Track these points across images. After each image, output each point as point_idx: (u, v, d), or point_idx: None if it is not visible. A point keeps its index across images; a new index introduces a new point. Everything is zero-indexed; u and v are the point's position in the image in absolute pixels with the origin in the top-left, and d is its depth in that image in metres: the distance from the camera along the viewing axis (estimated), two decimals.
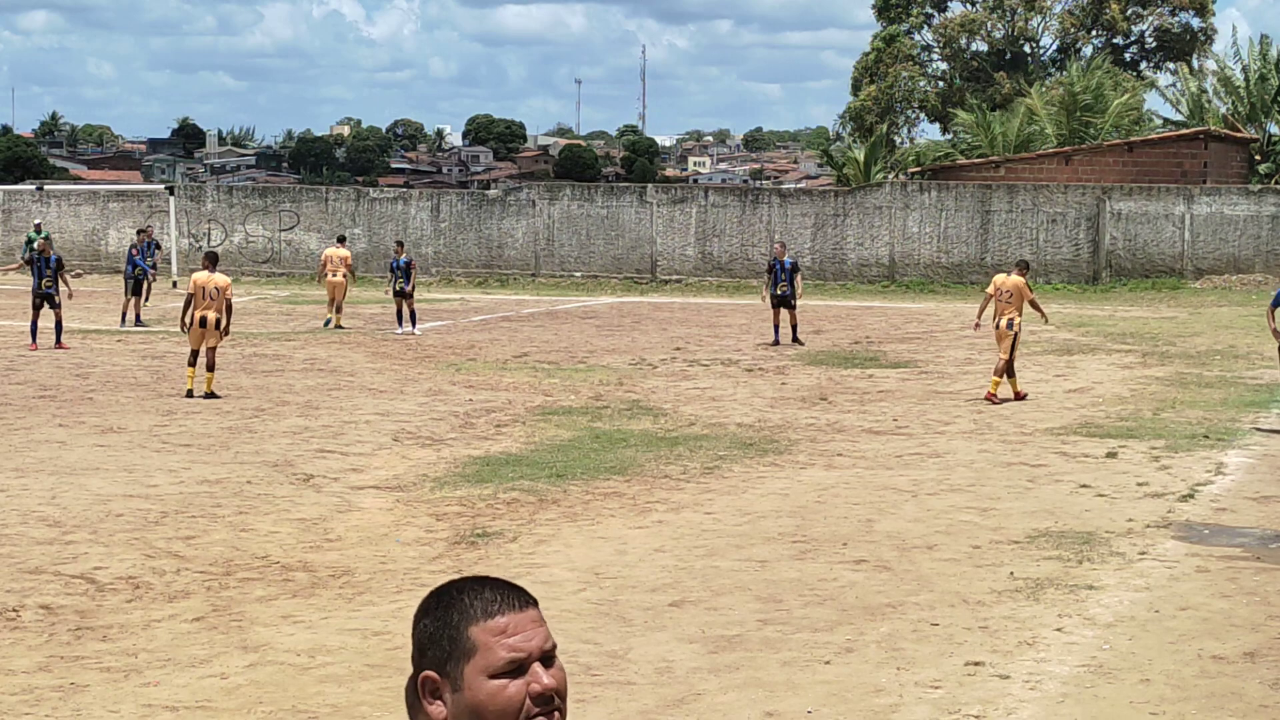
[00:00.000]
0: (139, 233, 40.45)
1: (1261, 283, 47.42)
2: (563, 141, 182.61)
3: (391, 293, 35.58)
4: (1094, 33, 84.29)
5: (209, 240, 53.09)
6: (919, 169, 58.07)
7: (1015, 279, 25.09)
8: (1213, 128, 56.20)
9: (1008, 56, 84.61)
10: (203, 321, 24.36)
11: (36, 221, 50.00)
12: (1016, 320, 24.75)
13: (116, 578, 13.36)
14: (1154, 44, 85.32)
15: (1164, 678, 10.85)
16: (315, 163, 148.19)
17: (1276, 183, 55.06)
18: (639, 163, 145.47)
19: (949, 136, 73.21)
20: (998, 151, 57.92)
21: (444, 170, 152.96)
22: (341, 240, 40.55)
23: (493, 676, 3.02)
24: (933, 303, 44.59)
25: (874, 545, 14.79)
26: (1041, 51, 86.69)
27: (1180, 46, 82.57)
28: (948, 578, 13.55)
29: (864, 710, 10.16)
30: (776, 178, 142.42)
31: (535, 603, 3.11)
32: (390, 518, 15.96)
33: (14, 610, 12.33)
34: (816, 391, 25.74)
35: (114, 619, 12.15)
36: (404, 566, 13.89)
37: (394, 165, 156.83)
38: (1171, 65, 79.49)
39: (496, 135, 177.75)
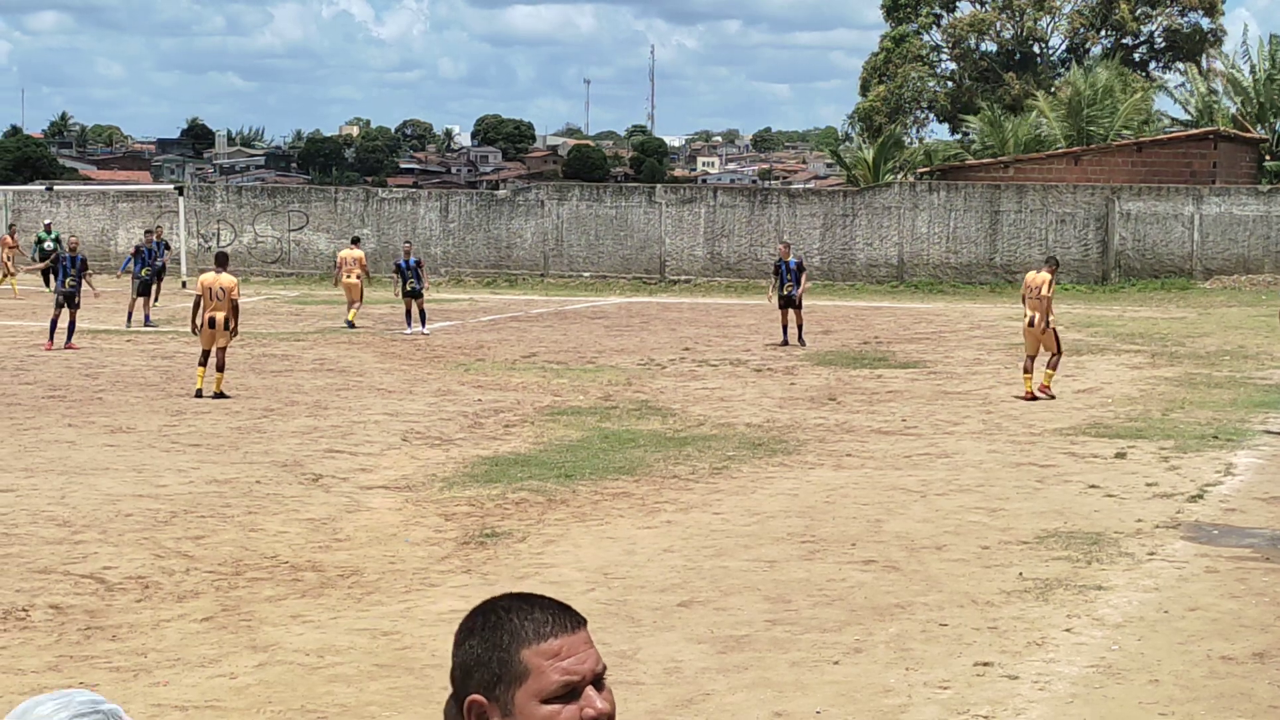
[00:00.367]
0: (146, 233, 40.50)
1: (1271, 283, 47.39)
2: (571, 142, 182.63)
3: (400, 293, 35.58)
4: (1103, 33, 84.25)
5: (218, 240, 53.15)
6: (928, 169, 58.03)
7: (1043, 275, 25.18)
8: (1222, 128, 56.14)
9: (1017, 57, 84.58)
10: (211, 322, 24.44)
11: (46, 221, 50.11)
12: (1049, 319, 24.83)
13: (126, 577, 13.37)
14: (1163, 44, 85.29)
15: (1173, 678, 10.84)
16: (324, 163, 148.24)
17: None
18: (648, 163, 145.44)
19: (958, 137, 73.18)
20: (1007, 152, 57.90)
21: (453, 170, 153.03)
22: (356, 241, 40.61)
23: (545, 701, 2.91)
24: (941, 303, 44.57)
25: (883, 545, 14.78)
26: (1051, 52, 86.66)
27: (1189, 47, 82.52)
28: (956, 578, 13.54)
29: (873, 710, 10.16)
30: (785, 178, 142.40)
31: (585, 623, 3.01)
32: (399, 518, 15.97)
33: (23, 610, 12.34)
34: (825, 392, 25.74)
35: (123, 619, 12.16)
36: (413, 566, 13.90)
37: (403, 165, 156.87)
38: (1181, 65, 79.41)
39: (505, 135, 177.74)
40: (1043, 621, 12.17)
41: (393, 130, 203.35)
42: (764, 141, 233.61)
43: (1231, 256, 48.46)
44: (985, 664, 11.07)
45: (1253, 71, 63.41)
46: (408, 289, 35.18)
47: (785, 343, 32.76)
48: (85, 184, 76.31)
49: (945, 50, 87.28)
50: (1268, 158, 58.40)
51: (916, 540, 14.98)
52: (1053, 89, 68.57)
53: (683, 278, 51.08)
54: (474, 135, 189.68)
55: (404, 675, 10.80)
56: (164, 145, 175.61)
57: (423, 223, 52.77)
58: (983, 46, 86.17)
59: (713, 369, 28.75)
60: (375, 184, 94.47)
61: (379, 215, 53.27)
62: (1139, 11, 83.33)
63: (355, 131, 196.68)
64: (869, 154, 65.92)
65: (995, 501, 16.86)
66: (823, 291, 47.18)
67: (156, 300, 41.82)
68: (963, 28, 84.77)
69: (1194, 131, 56.16)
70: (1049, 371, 25.03)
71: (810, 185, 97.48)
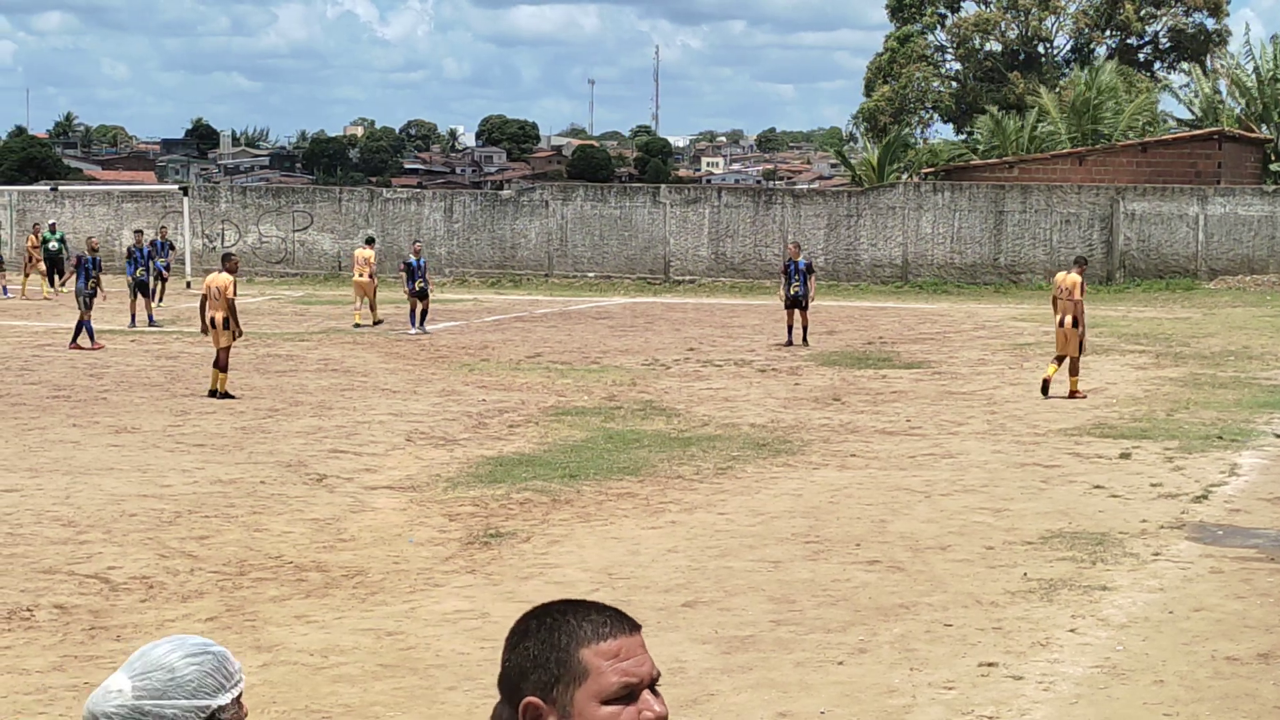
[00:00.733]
0: (137, 233, 40.53)
1: (1276, 283, 47.37)
2: (576, 142, 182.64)
3: (409, 293, 35.52)
4: (1108, 33, 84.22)
5: (223, 240, 53.18)
6: (932, 169, 58.03)
7: (1073, 277, 25.28)
8: (1227, 128, 56.11)
9: (1022, 57, 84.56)
10: (213, 322, 24.62)
11: (51, 221, 50.08)
12: (1080, 319, 24.92)
13: (130, 577, 13.38)
14: (1168, 44, 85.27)
15: (1178, 679, 10.84)
16: (329, 163, 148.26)
17: None
18: (652, 163, 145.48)
19: (963, 137, 73.18)
20: (1011, 152, 57.88)
21: (457, 171, 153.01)
22: (370, 242, 40.65)
23: (605, 703, 2.87)
24: (946, 303, 44.55)
25: (887, 546, 14.78)
26: (1055, 52, 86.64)
27: (1194, 47, 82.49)
28: (961, 578, 13.54)
29: (877, 711, 10.16)
30: (790, 178, 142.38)
31: (640, 628, 2.97)
32: (403, 518, 15.98)
33: (28, 610, 12.35)
34: (830, 392, 25.73)
35: (128, 618, 12.17)
36: (417, 567, 13.90)
37: (407, 166, 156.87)
38: (1185, 66, 79.35)
39: (510, 136, 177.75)
40: (1047, 622, 12.17)
41: (397, 130, 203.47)
42: (768, 142, 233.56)
43: (1236, 257, 48.43)
44: (990, 664, 11.07)
45: (1257, 72, 63.37)
46: (418, 289, 35.19)
47: (790, 343, 32.76)
48: (90, 184, 76.35)
49: (950, 50, 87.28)
50: (1273, 158, 58.37)
51: (921, 540, 14.98)
52: (1057, 89, 68.52)
53: (687, 278, 51.07)
54: (478, 135, 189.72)
55: (408, 675, 10.81)
56: (169, 145, 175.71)
57: (427, 223, 52.77)
58: (987, 46, 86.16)
59: (717, 369, 28.75)
60: (380, 184, 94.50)
61: (383, 216, 53.28)
62: (1144, 12, 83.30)
63: (360, 132, 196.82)
64: (874, 155, 65.92)
65: (1000, 502, 16.86)
66: (827, 292, 47.17)
67: (160, 300, 41.86)
68: (967, 28, 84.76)
69: (1199, 132, 56.12)
70: (1073, 376, 25.13)
71: (814, 185, 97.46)
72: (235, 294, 24.82)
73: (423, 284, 35.19)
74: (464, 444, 20.42)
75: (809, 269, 33.15)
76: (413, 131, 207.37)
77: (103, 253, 52.50)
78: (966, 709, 10.15)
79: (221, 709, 3.39)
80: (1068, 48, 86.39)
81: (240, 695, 3.48)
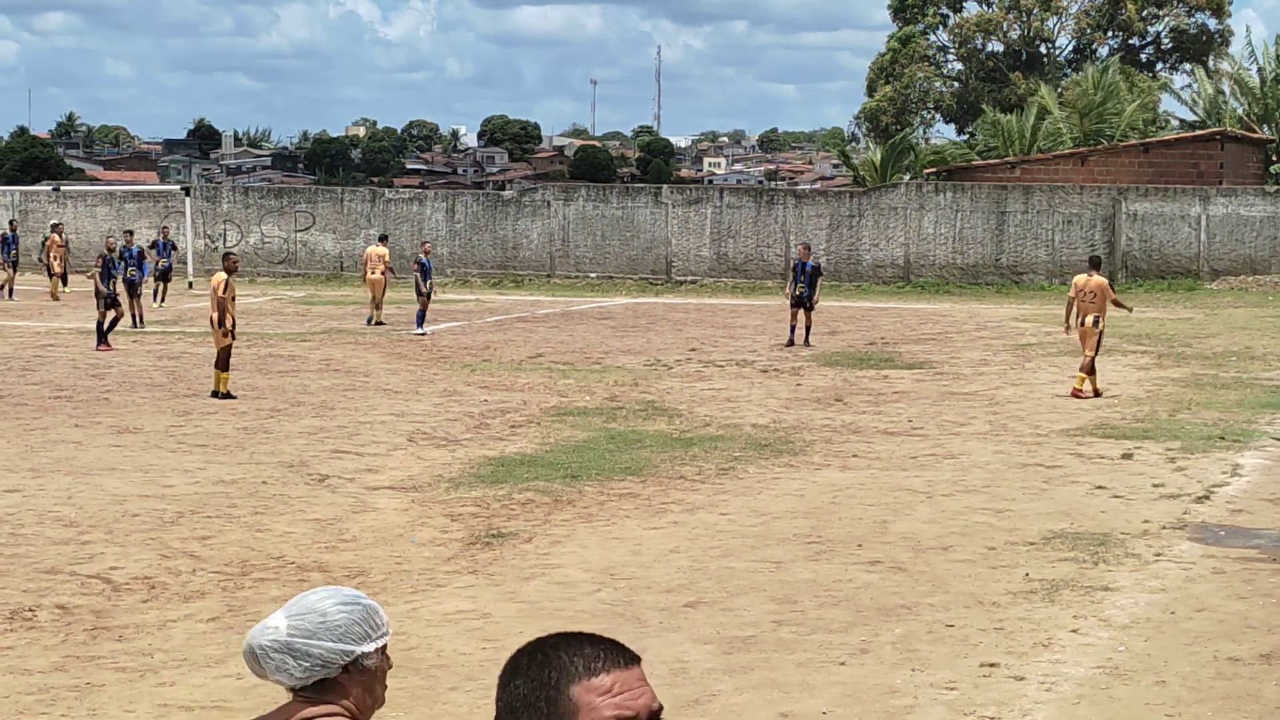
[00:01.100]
0: (127, 234, 40.52)
1: (1278, 283, 47.36)
2: (578, 142, 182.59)
3: (422, 292, 35.52)
4: (1110, 33, 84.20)
5: (224, 241, 53.20)
6: (934, 170, 58.03)
7: (1099, 279, 25.52)
8: (1229, 129, 56.12)
9: (1024, 57, 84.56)
10: (212, 322, 24.68)
11: (53, 222, 50.10)
12: (1101, 319, 24.97)
13: (132, 578, 13.38)
14: (1170, 45, 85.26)
15: (1180, 679, 10.83)
16: (331, 163, 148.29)
17: None
18: (654, 163, 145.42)
19: (965, 137, 73.19)
20: (1013, 153, 57.88)
21: (459, 171, 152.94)
22: (383, 239, 40.72)
23: None
24: (948, 304, 44.56)
25: (889, 546, 14.78)
26: (1058, 52, 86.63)
27: (1196, 47, 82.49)
28: (963, 579, 13.54)
29: (879, 711, 10.16)
30: (792, 178, 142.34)
31: (639, 660, 2.84)
32: (405, 518, 15.98)
33: (30, 610, 12.36)
34: (831, 392, 25.73)
35: (130, 619, 12.17)
36: (419, 567, 13.90)
37: (409, 166, 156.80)
38: (1187, 66, 79.40)
39: (512, 136, 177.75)
40: (1049, 622, 12.17)
41: (399, 131, 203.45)
42: (770, 142, 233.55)
43: (1238, 257, 48.44)
44: (991, 665, 11.07)
45: (1260, 72, 63.38)
46: (427, 290, 35.28)
47: (791, 343, 32.78)
48: (92, 185, 76.39)
49: (952, 51, 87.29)
50: (1275, 158, 58.38)
51: (923, 541, 14.98)
52: (1059, 89, 68.51)
53: (689, 278, 51.08)
54: (480, 136, 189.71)
55: (410, 676, 10.81)
56: (171, 146, 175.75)
57: (429, 223, 52.79)
58: (989, 47, 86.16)
59: (719, 370, 28.75)
60: (381, 184, 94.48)
61: (385, 216, 53.29)
62: (1146, 12, 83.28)
63: (362, 132, 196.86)
64: (876, 155, 65.92)
65: (1002, 502, 16.86)
66: (829, 292, 47.15)
67: (163, 301, 41.88)
68: (970, 28, 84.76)
69: (1201, 132, 56.15)
70: (1081, 375, 25.26)
71: (817, 186, 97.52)
72: (227, 293, 24.52)
73: (431, 284, 35.39)
74: (466, 444, 20.42)
75: (816, 270, 33.18)
76: (415, 132, 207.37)
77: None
78: (968, 709, 10.15)
79: (365, 655, 3.78)
80: (1070, 48, 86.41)
81: (385, 647, 3.84)
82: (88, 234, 54.23)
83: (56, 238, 46.42)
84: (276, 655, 3.78)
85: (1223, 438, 21.17)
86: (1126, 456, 19.69)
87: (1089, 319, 25.15)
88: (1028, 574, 13.67)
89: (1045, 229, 49.27)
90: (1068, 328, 26.14)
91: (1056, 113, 60.37)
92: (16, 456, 19.14)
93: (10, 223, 48.93)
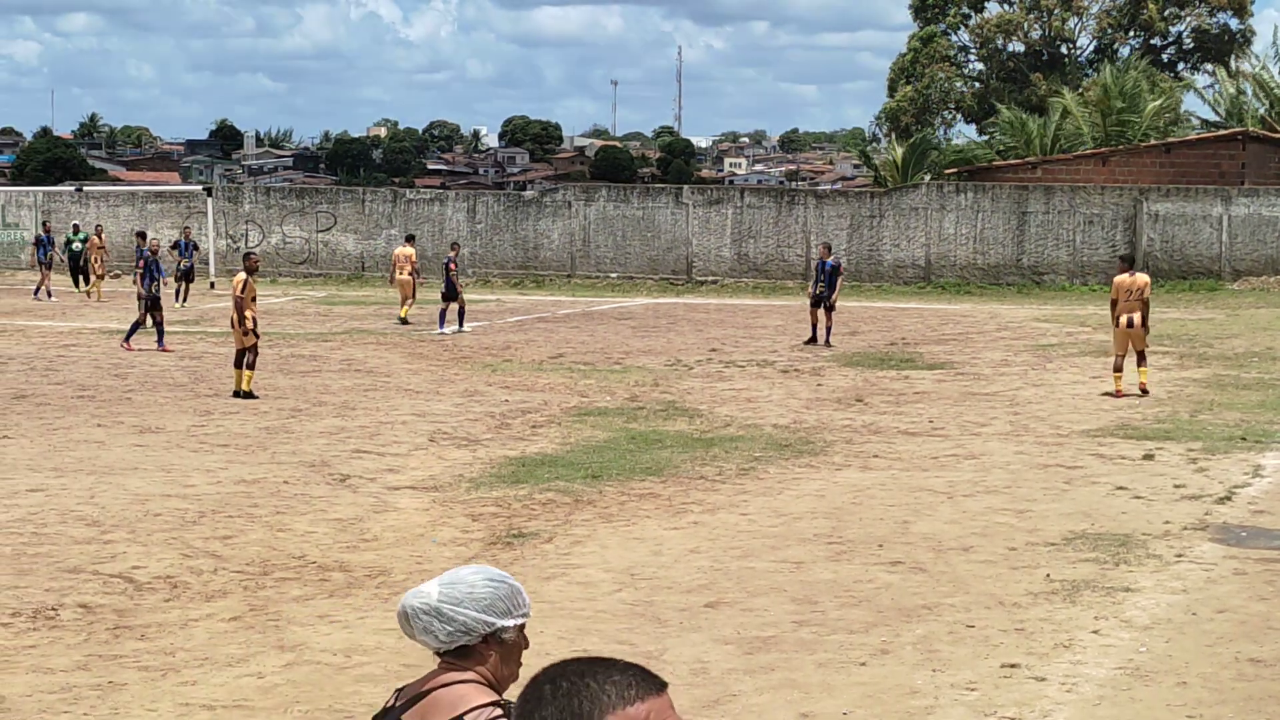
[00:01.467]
0: (139, 235, 40.72)
1: None
2: (599, 143, 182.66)
3: (453, 293, 35.64)
4: (1131, 33, 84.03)
5: (246, 241, 53.31)
6: (955, 170, 57.95)
7: (1144, 277, 25.68)
8: (1251, 129, 55.95)
9: (1045, 57, 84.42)
10: (232, 322, 24.83)
11: (74, 222, 50.25)
12: (1137, 318, 25.00)
13: (154, 577, 13.43)
14: (1192, 45, 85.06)
15: (1201, 680, 10.82)
16: (352, 164, 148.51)
17: None
18: (675, 164, 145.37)
19: (986, 138, 73.08)
20: (1034, 153, 57.78)
21: (480, 171, 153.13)
22: (410, 239, 40.84)
23: None
24: (969, 304, 44.50)
25: (910, 547, 14.77)
26: (1079, 52, 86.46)
27: (1218, 47, 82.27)
28: (983, 579, 13.53)
29: (899, 712, 10.16)
30: (812, 179, 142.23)
31: (666, 685, 2.72)
32: (426, 518, 16.01)
33: (53, 609, 12.40)
34: (852, 393, 25.72)
35: (152, 618, 12.21)
36: (440, 567, 13.92)
37: (430, 166, 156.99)
38: (1209, 66, 79.18)
39: (533, 136, 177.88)
40: (1070, 623, 12.16)
41: (420, 131, 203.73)
42: (791, 142, 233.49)
43: (1260, 258, 48.30)
44: (1012, 665, 11.07)
45: None
46: (451, 290, 35.44)
47: (814, 340, 32.82)
48: (114, 185, 76.59)
49: (973, 51, 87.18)
50: None
51: (943, 541, 14.97)
52: (1080, 89, 68.38)
53: (710, 278, 51.07)
54: (501, 136, 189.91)
55: None
56: (193, 146, 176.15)
57: (450, 224, 52.83)
58: (1010, 47, 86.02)
59: (739, 370, 28.75)
60: (403, 185, 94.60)
61: (406, 216, 53.35)
62: (1167, 12, 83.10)
63: (383, 132, 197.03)
64: (898, 154, 65.83)
65: (1022, 503, 16.84)
66: (850, 292, 47.13)
67: (185, 301, 42.00)
68: (990, 28, 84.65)
69: (1222, 132, 55.97)
70: (1144, 369, 25.32)
71: (837, 186, 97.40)
72: (245, 292, 24.58)
73: (446, 285, 35.48)
74: (487, 444, 20.45)
75: (835, 270, 33.14)
76: (436, 132, 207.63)
77: (126, 253, 52.84)
78: (989, 710, 10.14)
79: (504, 629, 4.15)
80: (1091, 48, 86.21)
81: (524, 626, 4.21)
82: (110, 234, 54.35)
83: (97, 239, 46.54)
84: (425, 617, 4.16)
85: (1244, 438, 21.12)
86: (1148, 457, 19.66)
87: (1135, 317, 25.16)
88: (1049, 575, 13.66)
89: (1066, 229, 49.17)
90: (1117, 327, 25.77)
91: (1077, 113, 60.24)
92: (39, 456, 19.21)
93: (44, 224, 49.11)
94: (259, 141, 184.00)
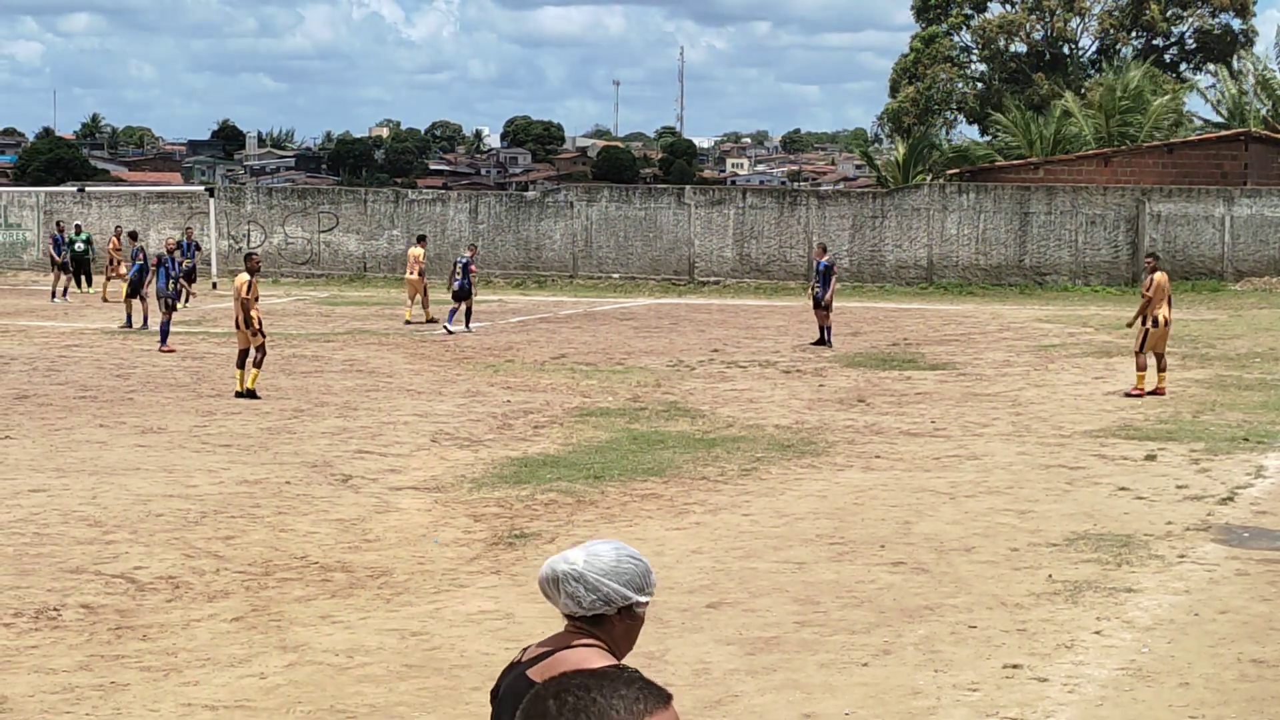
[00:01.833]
0: (130, 234, 40.76)
1: None
2: (601, 143, 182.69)
3: (462, 292, 35.72)
4: (1133, 34, 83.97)
5: (248, 242, 53.31)
6: (957, 171, 57.94)
7: (1165, 275, 25.72)
8: (1253, 129, 55.93)
9: (1047, 58, 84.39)
10: (236, 322, 24.83)
11: (76, 223, 50.22)
12: (1161, 316, 25.19)
13: (156, 577, 13.43)
14: (1194, 45, 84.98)
15: (1203, 681, 10.82)
16: (354, 164, 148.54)
17: None
18: (677, 164, 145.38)
19: (988, 138, 73.09)
20: (1036, 153, 57.77)
21: (482, 172, 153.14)
22: (421, 240, 40.88)
23: None
24: (971, 305, 44.49)
25: (912, 547, 14.77)
26: (1081, 53, 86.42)
27: (1220, 48, 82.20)
28: (986, 580, 13.53)
29: (901, 712, 10.16)
30: (814, 179, 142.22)
31: (671, 697, 2.69)
32: (428, 518, 16.01)
33: (55, 609, 12.41)
34: (854, 393, 25.71)
35: (154, 618, 12.22)
36: (442, 567, 13.93)
37: (432, 167, 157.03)
38: (1211, 66, 79.10)
39: (535, 137, 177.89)
40: (1072, 624, 12.16)
41: (422, 131, 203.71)
42: (793, 143, 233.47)
43: (1263, 258, 48.27)
44: (1014, 666, 11.06)
45: None
46: (461, 288, 35.55)
47: (821, 341, 32.92)
48: (117, 185, 76.61)
49: (975, 51, 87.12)
50: None
51: (945, 542, 14.97)
52: (1083, 90, 68.37)
53: (712, 279, 51.07)
54: (503, 137, 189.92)
55: (433, 676, 10.84)
56: (195, 147, 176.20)
57: (452, 224, 52.84)
58: (1012, 48, 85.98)
59: (741, 370, 28.75)
60: (405, 185, 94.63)
61: (408, 217, 53.35)
62: (1170, 12, 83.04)
63: (385, 133, 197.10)
64: (900, 151, 65.82)
65: (1024, 503, 16.84)
66: (852, 293, 47.14)
67: (187, 301, 41.96)
68: (992, 29, 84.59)
69: (1225, 133, 55.94)
70: (1161, 373, 25.57)
71: (839, 187, 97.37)
72: (250, 294, 24.66)
73: (466, 285, 35.60)
74: (489, 445, 20.45)
75: (828, 270, 33.20)
76: (438, 132, 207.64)
77: (128, 253, 52.83)
78: (991, 711, 10.14)
79: (637, 604, 4.51)
80: (1093, 49, 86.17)
81: (647, 604, 4.57)
82: (112, 235, 54.32)
83: (116, 240, 46.52)
84: (574, 584, 4.43)
85: (1246, 439, 21.11)
86: (1150, 458, 19.65)
87: (1160, 316, 25.22)
88: (1051, 575, 13.65)
89: (1069, 230, 49.15)
90: (1151, 325, 25.67)
91: (1079, 115, 60.22)
92: (42, 456, 19.22)
93: (58, 224, 49.11)
94: (261, 142, 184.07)
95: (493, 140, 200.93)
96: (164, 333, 31.29)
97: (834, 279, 33.53)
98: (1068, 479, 18.31)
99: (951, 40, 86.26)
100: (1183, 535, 15.35)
